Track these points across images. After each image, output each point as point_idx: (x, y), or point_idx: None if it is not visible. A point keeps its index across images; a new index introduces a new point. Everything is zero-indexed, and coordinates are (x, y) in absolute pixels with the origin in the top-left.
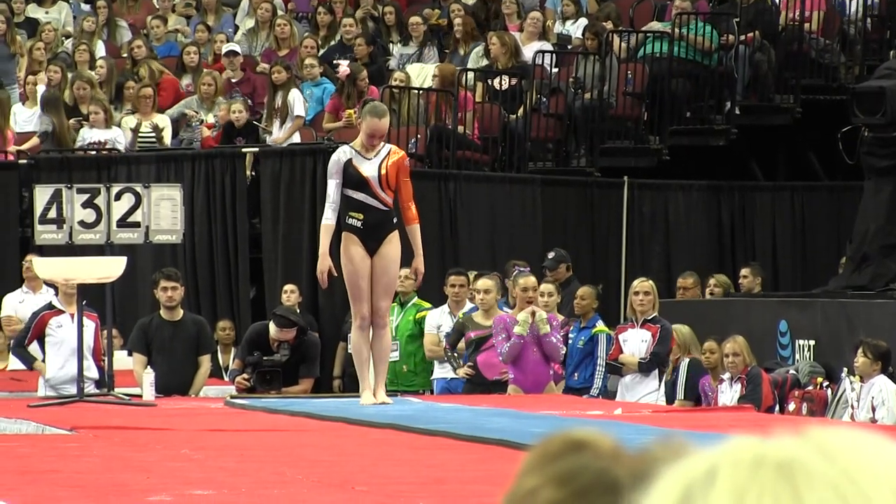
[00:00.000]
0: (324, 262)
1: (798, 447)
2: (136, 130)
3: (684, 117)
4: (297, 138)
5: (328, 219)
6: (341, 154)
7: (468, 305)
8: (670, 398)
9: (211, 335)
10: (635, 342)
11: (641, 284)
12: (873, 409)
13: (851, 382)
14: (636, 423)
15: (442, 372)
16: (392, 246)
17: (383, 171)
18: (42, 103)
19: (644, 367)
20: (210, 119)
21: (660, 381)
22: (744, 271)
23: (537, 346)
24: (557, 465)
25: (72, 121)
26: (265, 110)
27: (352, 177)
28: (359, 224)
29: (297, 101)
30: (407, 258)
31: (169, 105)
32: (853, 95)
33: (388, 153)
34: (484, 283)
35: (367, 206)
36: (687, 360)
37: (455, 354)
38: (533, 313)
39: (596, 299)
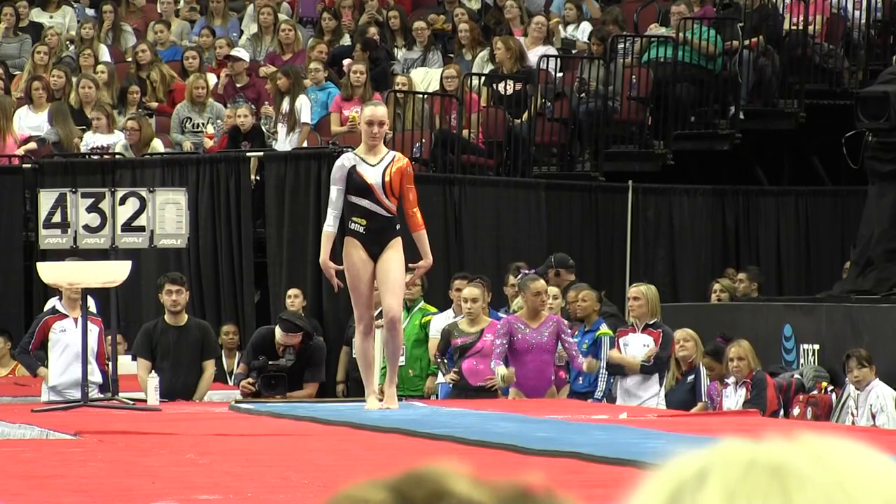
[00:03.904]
0: (328, 271)
1: (791, 452)
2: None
3: (689, 122)
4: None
5: (329, 226)
6: (345, 160)
7: None
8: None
9: (216, 340)
10: (636, 346)
11: (634, 289)
12: (873, 417)
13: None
14: (642, 428)
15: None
16: (395, 250)
17: (387, 178)
18: (49, 115)
19: (646, 370)
20: (210, 129)
21: (660, 385)
22: (740, 276)
23: (547, 354)
24: None
25: (77, 130)
26: (273, 116)
27: (356, 183)
28: (361, 229)
29: (305, 108)
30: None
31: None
32: (857, 100)
33: (393, 159)
34: (471, 291)
35: (370, 213)
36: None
37: (444, 360)
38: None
39: (598, 301)
